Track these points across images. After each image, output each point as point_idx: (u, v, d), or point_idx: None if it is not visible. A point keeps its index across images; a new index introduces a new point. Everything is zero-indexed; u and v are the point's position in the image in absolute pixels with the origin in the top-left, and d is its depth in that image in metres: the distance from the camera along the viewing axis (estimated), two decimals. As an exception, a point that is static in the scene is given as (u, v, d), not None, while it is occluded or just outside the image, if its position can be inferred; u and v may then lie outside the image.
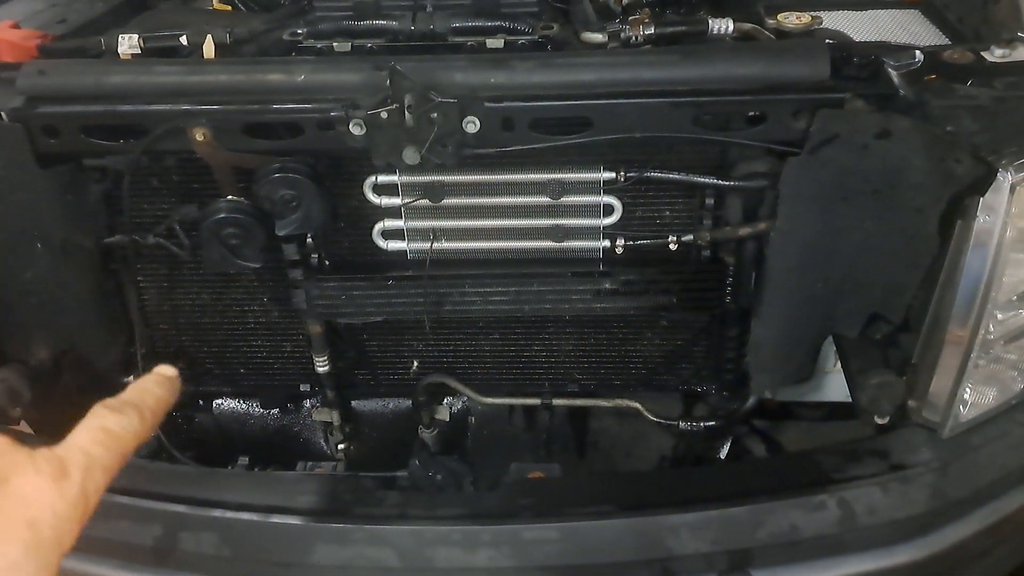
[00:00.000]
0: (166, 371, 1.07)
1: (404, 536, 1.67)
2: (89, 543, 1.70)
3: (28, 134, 1.73)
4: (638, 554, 1.66)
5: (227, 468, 2.22)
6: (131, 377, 2.14)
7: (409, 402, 2.29)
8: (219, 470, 2.08)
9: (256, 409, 2.33)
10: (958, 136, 1.56)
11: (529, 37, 1.87)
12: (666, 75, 1.67)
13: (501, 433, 2.32)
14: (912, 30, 2.15)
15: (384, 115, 1.63)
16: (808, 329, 1.88)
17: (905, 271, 1.74)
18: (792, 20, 1.82)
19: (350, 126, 1.66)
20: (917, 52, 1.73)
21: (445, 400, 2.28)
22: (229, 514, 1.70)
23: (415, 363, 2.17)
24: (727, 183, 1.80)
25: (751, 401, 2.06)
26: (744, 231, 1.82)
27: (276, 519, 1.69)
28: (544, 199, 1.88)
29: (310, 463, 2.26)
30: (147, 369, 2.05)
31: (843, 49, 1.69)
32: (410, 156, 1.69)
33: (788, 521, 1.67)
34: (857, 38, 1.94)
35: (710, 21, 1.85)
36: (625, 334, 2.11)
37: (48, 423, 2.04)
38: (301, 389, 2.25)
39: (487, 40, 1.86)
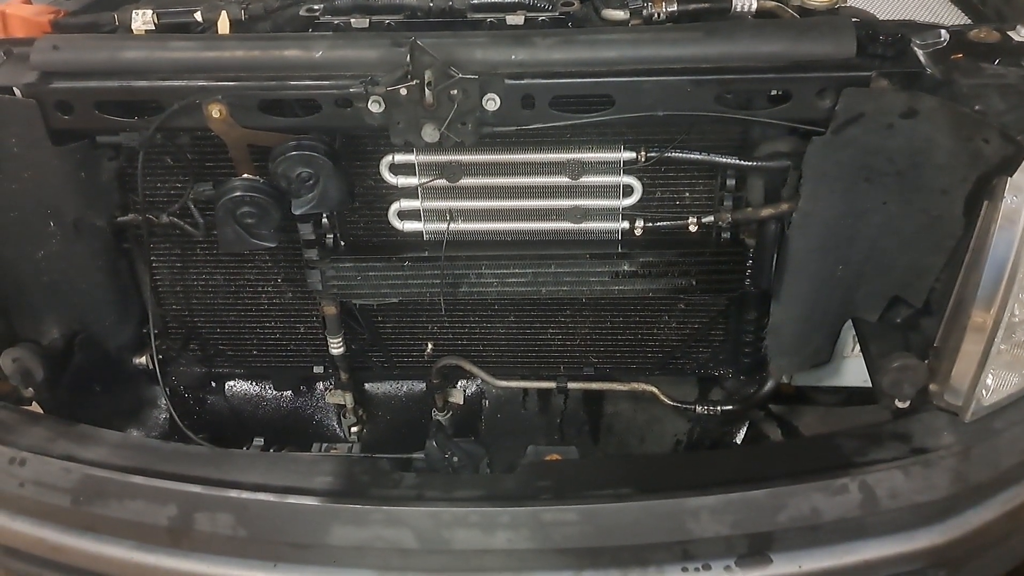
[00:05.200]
0: None
1: (422, 518, 1.65)
2: (103, 523, 1.70)
3: (42, 110, 1.72)
4: (658, 536, 1.64)
5: (242, 449, 2.21)
6: (143, 358, 2.13)
7: (423, 385, 2.29)
8: (235, 451, 2.06)
9: (269, 391, 2.33)
10: (986, 115, 1.54)
11: (549, 14, 1.84)
12: (689, 52, 1.65)
13: (515, 416, 2.31)
14: (934, 10, 2.12)
15: (404, 92, 1.62)
16: (828, 312, 1.87)
17: (928, 253, 1.72)
18: (816, -2, 1.80)
19: (368, 103, 1.64)
20: (943, 31, 1.70)
21: (459, 383, 2.27)
22: (245, 495, 1.68)
23: (429, 345, 2.16)
24: (749, 163, 1.78)
25: (769, 385, 2.05)
26: (766, 212, 1.80)
27: (293, 500, 1.67)
28: (563, 179, 1.87)
29: (325, 444, 2.25)
30: (159, 350, 2.07)
31: (868, 27, 1.67)
32: (429, 134, 1.67)
33: (809, 504, 1.65)
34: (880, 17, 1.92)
35: (733, -2, 1.83)
36: (642, 317, 2.10)
37: (59, 403, 2.03)
38: (314, 371, 2.24)
39: (507, 16, 1.84)
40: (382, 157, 1.87)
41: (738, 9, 1.82)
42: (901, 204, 1.68)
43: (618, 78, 1.64)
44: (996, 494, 1.74)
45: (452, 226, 1.92)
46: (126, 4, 1.97)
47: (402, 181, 1.88)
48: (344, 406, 2.27)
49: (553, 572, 1.64)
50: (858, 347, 1.98)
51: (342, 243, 1.99)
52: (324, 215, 1.93)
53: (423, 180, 1.87)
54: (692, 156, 1.81)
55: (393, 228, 1.95)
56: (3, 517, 1.79)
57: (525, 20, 1.83)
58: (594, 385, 2.17)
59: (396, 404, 2.34)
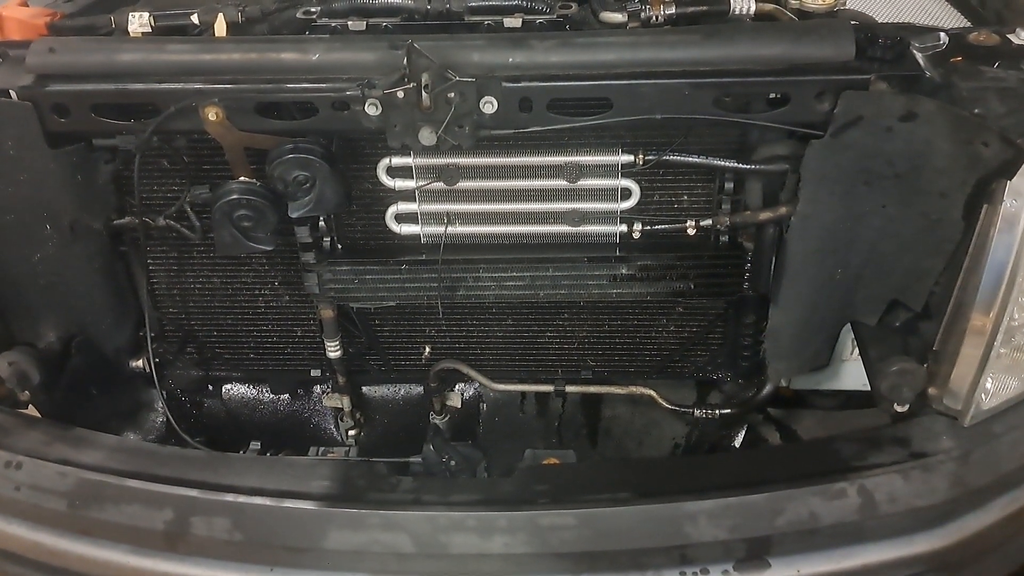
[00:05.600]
0: None
1: (419, 522, 1.64)
2: (99, 527, 1.69)
3: (38, 113, 1.71)
4: (656, 541, 1.63)
5: (239, 453, 2.20)
6: (139, 361, 2.12)
7: (420, 388, 2.29)
8: (231, 455, 2.06)
9: (266, 394, 2.32)
10: (986, 118, 1.54)
11: (547, 16, 1.84)
12: (687, 55, 1.64)
13: (512, 420, 2.30)
14: (933, 13, 2.12)
15: (401, 94, 1.61)
16: (827, 316, 1.86)
17: (927, 257, 1.72)
18: (815, 0, 1.79)
19: (366, 106, 1.64)
20: (942, 34, 1.70)
21: (456, 386, 2.27)
22: (242, 499, 1.67)
23: (427, 349, 2.15)
24: (748, 166, 1.78)
25: (767, 389, 2.04)
26: (764, 216, 1.80)
27: (289, 504, 1.66)
28: (561, 182, 1.86)
29: (322, 448, 2.24)
30: (156, 353, 2.06)
31: (867, 30, 1.66)
32: (426, 137, 1.66)
33: (808, 509, 1.64)
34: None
35: (731, 1, 1.81)
36: (640, 320, 2.09)
37: (56, 406, 2.02)
38: (312, 374, 2.23)
39: (504, 19, 1.83)
40: (379, 160, 1.86)
41: (736, 12, 1.81)
42: (900, 207, 1.68)
43: (616, 81, 1.63)
44: (995, 498, 1.74)
45: (450, 229, 1.92)
46: (123, 7, 1.97)
47: (399, 184, 1.88)
48: (341, 409, 2.26)
49: (550, 577, 1.64)
50: (857, 351, 1.97)
51: (339, 246, 1.99)
52: (321, 218, 1.93)
53: (420, 183, 1.87)
54: (690, 159, 1.80)
55: (390, 231, 1.95)
56: (-1, 521, 1.78)
57: (523, 23, 1.83)
58: (592, 388, 2.15)
59: (393, 407, 2.33)
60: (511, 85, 1.63)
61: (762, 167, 1.76)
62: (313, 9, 1.89)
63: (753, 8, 1.81)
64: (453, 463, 2.04)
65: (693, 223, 1.86)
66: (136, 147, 1.76)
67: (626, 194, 1.87)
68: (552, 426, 2.30)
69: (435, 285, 1.95)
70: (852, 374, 2.09)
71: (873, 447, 1.74)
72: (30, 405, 2.03)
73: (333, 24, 1.86)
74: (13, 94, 1.71)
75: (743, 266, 1.94)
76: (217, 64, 1.70)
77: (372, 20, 1.86)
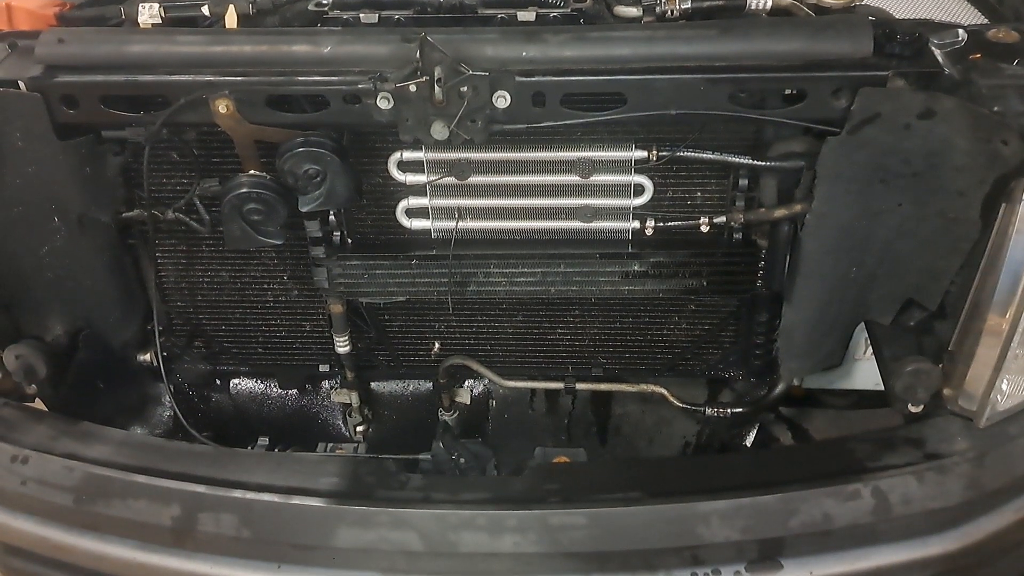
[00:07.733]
0: None
1: (428, 520, 1.63)
2: (106, 522, 1.68)
3: (47, 104, 1.70)
4: (667, 541, 1.62)
5: (246, 448, 2.19)
6: (147, 355, 2.12)
7: (429, 384, 2.28)
8: (239, 450, 2.04)
9: (274, 389, 2.31)
10: (1005, 116, 1.52)
11: (561, 10, 1.82)
12: (703, 51, 1.63)
13: (522, 417, 2.29)
14: (950, 9, 2.10)
15: (413, 88, 1.60)
16: (841, 315, 1.85)
17: (944, 256, 1.70)
18: (832, -4, 1.77)
19: (377, 100, 1.62)
20: (961, 30, 1.68)
21: (466, 383, 2.26)
22: (249, 495, 1.66)
23: (436, 344, 2.14)
24: (762, 163, 1.76)
25: (779, 388, 2.02)
26: (779, 213, 1.78)
27: (297, 501, 1.65)
28: (573, 178, 1.85)
29: (331, 444, 2.23)
30: (164, 347, 2.06)
31: (885, 26, 1.64)
32: (438, 131, 1.65)
33: (821, 510, 1.63)
34: (895, 17, 1.89)
35: (747, -5, 1.80)
36: (652, 318, 2.08)
37: (62, 401, 2.01)
38: (320, 369, 2.22)
39: (518, 12, 1.82)
40: (390, 154, 1.85)
41: (753, 7, 1.79)
42: (917, 206, 1.66)
43: (630, 76, 1.62)
44: (1010, 500, 1.71)
45: (460, 224, 1.90)
46: (133, -3, 1.96)
47: (410, 178, 1.86)
48: (350, 405, 2.25)
49: (561, 576, 1.62)
50: (870, 350, 1.95)
51: (349, 241, 1.97)
52: (331, 212, 1.92)
53: (432, 178, 1.85)
54: (704, 155, 1.79)
55: (401, 226, 1.93)
56: (5, 515, 1.77)
57: (536, 16, 1.81)
58: (602, 386, 2.14)
59: (402, 403, 2.32)
60: (524, 79, 1.61)
61: (777, 164, 1.75)
62: (325, 1, 1.88)
63: (769, 3, 1.79)
64: (463, 460, 2.03)
65: (707, 220, 1.84)
66: (145, 139, 1.75)
67: (639, 190, 1.85)
68: (562, 423, 2.29)
69: (445, 280, 1.93)
70: (865, 374, 2.08)
71: (887, 448, 1.72)
72: (37, 399, 2.02)
73: (345, 16, 1.85)
74: (22, 85, 1.69)
75: (757, 264, 1.93)
76: (228, 56, 1.69)
77: (384, 13, 1.84)
